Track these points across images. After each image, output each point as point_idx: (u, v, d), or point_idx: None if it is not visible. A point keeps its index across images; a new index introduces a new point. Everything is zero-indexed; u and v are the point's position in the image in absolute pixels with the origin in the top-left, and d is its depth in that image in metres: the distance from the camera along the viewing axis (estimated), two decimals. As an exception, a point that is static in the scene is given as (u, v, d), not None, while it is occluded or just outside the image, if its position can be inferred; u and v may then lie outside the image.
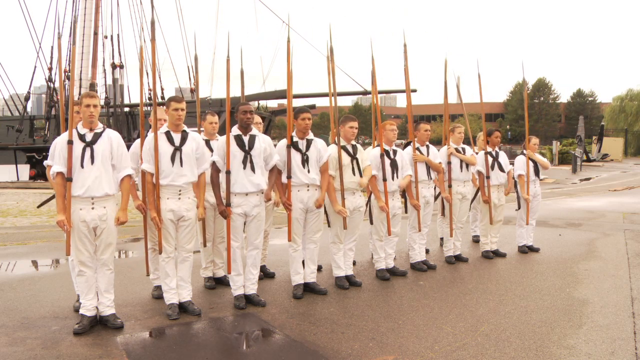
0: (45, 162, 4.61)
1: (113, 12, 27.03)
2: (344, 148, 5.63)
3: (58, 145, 4.32)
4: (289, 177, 5.18)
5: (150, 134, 4.81)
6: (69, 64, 26.18)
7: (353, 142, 5.71)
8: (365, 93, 27.23)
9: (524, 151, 7.63)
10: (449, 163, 6.77)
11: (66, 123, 4.47)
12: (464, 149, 6.90)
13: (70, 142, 4.25)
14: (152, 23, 5.16)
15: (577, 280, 6.01)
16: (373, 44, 6.29)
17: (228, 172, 4.84)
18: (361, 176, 5.64)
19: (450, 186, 6.72)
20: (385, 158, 5.93)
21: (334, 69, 5.85)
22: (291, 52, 5.41)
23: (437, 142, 9.55)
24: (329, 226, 5.81)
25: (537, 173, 7.61)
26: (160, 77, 27.53)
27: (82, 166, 4.25)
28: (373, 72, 6.25)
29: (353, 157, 5.62)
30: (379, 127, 6.08)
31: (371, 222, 6.14)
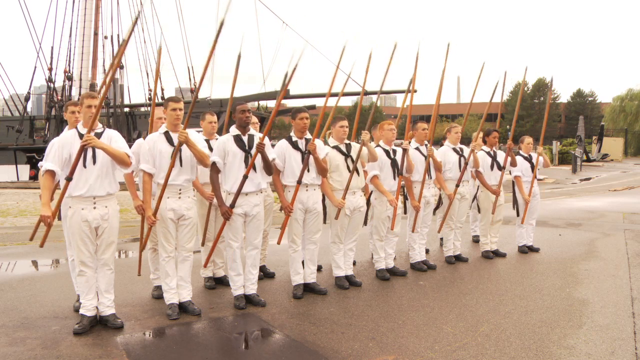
0: (40, 164, 4.60)
1: (113, 12, 27.07)
2: (337, 148, 5.63)
3: (55, 145, 4.31)
4: (299, 182, 5.17)
5: (150, 135, 4.83)
6: (69, 65, 26.21)
7: (346, 141, 5.70)
8: (365, 94, 27.20)
9: (520, 152, 7.63)
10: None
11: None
12: (461, 149, 6.91)
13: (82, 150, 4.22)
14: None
15: (577, 280, 6.01)
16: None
17: (245, 177, 4.80)
18: (357, 174, 5.62)
19: (457, 186, 6.70)
20: (386, 158, 5.93)
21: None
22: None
23: (436, 142, 9.53)
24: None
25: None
26: (160, 77, 27.57)
27: (84, 166, 4.25)
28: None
29: (347, 155, 5.61)
30: (378, 127, 6.08)
31: (365, 223, 6.13)
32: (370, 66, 6.05)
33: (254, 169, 4.90)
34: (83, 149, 4.20)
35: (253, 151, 4.90)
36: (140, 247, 4.97)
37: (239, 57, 5.16)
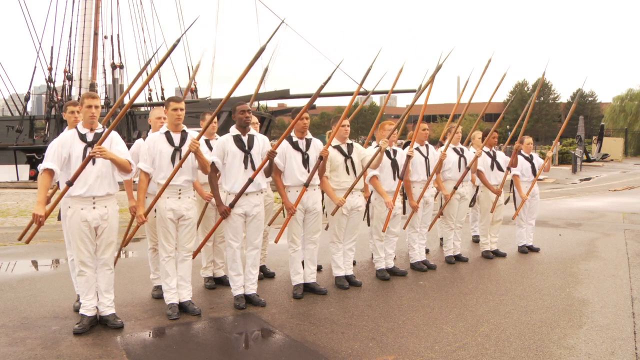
0: (39, 166, 4.59)
1: (113, 12, 27.03)
2: (338, 148, 5.62)
3: (55, 145, 4.30)
4: (306, 185, 5.16)
5: (150, 134, 4.83)
6: (69, 65, 26.18)
7: (348, 141, 5.69)
8: (365, 93, 27.19)
9: (520, 152, 7.62)
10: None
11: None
12: (462, 149, 6.91)
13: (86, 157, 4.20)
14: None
15: (577, 280, 6.01)
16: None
17: (251, 181, 4.82)
18: (356, 175, 5.62)
19: (455, 188, 6.70)
20: (386, 158, 5.93)
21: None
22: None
23: (434, 142, 9.53)
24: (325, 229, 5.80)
25: (534, 173, 7.60)
26: (160, 77, 27.58)
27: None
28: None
29: (347, 156, 5.60)
30: (379, 127, 6.07)
31: (368, 224, 6.14)
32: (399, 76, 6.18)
33: (254, 169, 4.89)
34: (91, 158, 4.17)
35: (253, 152, 4.89)
36: (122, 244, 4.97)
37: (266, 69, 5.17)
